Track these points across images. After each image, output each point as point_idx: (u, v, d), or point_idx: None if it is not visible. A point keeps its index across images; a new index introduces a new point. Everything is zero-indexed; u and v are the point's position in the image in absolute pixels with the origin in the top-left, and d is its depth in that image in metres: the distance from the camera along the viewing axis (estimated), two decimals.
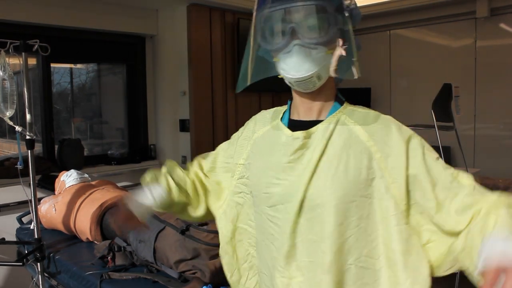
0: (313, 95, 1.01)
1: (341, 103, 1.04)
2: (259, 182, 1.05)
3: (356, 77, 0.99)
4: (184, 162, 4.27)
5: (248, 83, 1.07)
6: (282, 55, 0.96)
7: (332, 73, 0.97)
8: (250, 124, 1.17)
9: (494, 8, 4.09)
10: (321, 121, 1.01)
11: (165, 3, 4.09)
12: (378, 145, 0.95)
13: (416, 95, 4.64)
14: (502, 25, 4.17)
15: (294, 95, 1.06)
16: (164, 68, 4.35)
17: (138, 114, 4.39)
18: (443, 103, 3.34)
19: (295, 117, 1.07)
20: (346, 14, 0.95)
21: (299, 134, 0.99)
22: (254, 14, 1.00)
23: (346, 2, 0.96)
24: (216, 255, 1.51)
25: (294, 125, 1.04)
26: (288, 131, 1.02)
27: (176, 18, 4.15)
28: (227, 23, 4.28)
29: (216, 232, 1.52)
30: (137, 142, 4.41)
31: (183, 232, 1.59)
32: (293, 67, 0.94)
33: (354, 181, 0.94)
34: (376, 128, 0.97)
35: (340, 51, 0.96)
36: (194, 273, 1.54)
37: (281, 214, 0.99)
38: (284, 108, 1.12)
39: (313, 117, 1.03)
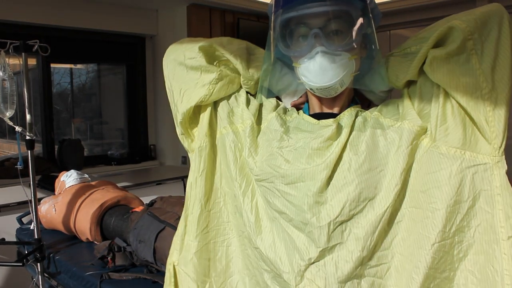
0: (333, 99, 0.97)
1: (357, 104, 1.01)
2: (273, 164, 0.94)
3: (387, 87, 0.96)
4: (184, 163, 4.28)
5: (268, 86, 1.02)
6: (303, 61, 0.90)
7: (350, 80, 0.92)
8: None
9: None
10: (337, 114, 0.97)
11: (165, 3, 4.09)
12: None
13: None
14: None
15: (311, 97, 1.01)
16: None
17: (138, 115, 4.39)
18: None
19: (312, 112, 1.02)
20: (370, 17, 0.90)
21: (330, 121, 0.93)
22: (272, 17, 0.93)
23: (370, 5, 0.91)
24: None
25: (316, 117, 0.99)
26: (314, 120, 0.96)
27: (176, 18, 4.15)
28: (227, 23, 4.28)
29: None
30: (137, 142, 4.41)
31: None
32: (316, 75, 0.88)
33: None
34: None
35: (361, 52, 0.93)
36: None
37: (300, 191, 0.90)
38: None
39: (335, 112, 0.98)
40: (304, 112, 1.02)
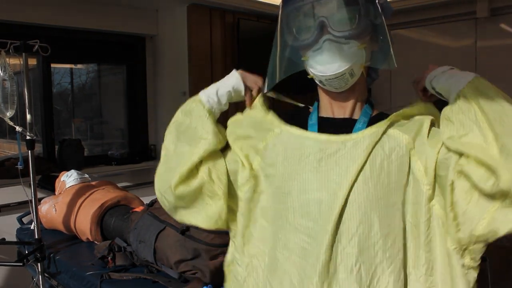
0: (346, 94, 0.95)
1: (372, 107, 1.00)
2: (286, 187, 0.94)
3: (394, 66, 0.96)
4: None
5: (277, 81, 0.99)
6: (311, 53, 0.90)
7: (361, 70, 0.93)
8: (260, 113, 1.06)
9: (494, 8, 4.09)
10: (354, 120, 0.96)
11: (165, 3, 4.09)
12: None
13: (416, 95, 4.64)
14: (503, 26, 4.17)
15: (323, 96, 1.00)
16: (164, 68, 4.35)
17: (138, 115, 4.39)
18: (443, 104, 3.34)
19: (323, 113, 1.00)
20: (378, 6, 0.90)
21: (335, 138, 0.91)
22: (280, 11, 0.94)
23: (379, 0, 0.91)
24: (217, 256, 1.52)
25: (325, 124, 0.98)
26: (321, 136, 0.93)
27: (176, 18, 4.15)
28: (227, 23, 4.28)
29: (216, 233, 1.52)
30: (137, 142, 4.41)
31: (183, 233, 1.59)
32: (324, 64, 0.88)
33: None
34: None
35: (372, 45, 0.92)
36: (194, 274, 1.54)
37: (317, 223, 0.89)
38: (307, 110, 1.06)
39: (346, 115, 0.98)
40: (313, 113, 1.01)
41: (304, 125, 1.00)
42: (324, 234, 0.88)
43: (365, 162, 0.88)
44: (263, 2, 4.03)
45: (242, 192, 1.01)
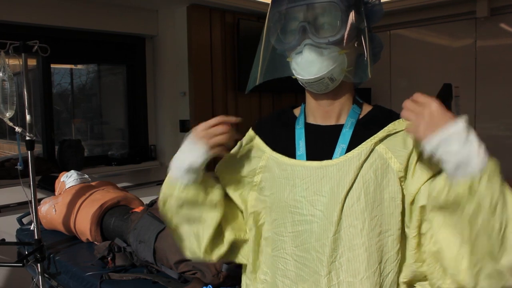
0: (329, 97, 0.96)
1: (360, 106, 0.99)
2: (279, 217, 0.97)
3: (368, 77, 0.94)
4: None
5: (257, 82, 1.00)
6: (294, 55, 0.91)
7: (342, 76, 0.92)
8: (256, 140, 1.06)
9: (494, 8, 4.08)
10: (341, 125, 0.96)
11: (165, 4, 4.09)
12: None
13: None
14: (502, 25, 4.17)
15: (309, 98, 1.00)
16: (164, 68, 4.35)
17: (138, 115, 4.39)
18: (443, 104, 3.33)
19: (311, 120, 1.01)
20: (363, 11, 0.90)
21: (319, 164, 0.93)
22: (268, 13, 0.96)
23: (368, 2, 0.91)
24: None
25: (312, 130, 0.99)
26: (305, 163, 0.95)
27: (176, 18, 4.15)
28: (227, 23, 4.28)
29: None
30: (137, 142, 4.41)
31: None
32: (303, 68, 0.90)
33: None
34: None
35: (354, 51, 0.92)
36: (194, 274, 1.54)
37: (311, 253, 0.92)
38: (291, 111, 1.06)
39: (331, 121, 0.98)
40: (299, 116, 1.01)
41: (291, 128, 1.01)
42: (318, 264, 0.91)
43: (352, 184, 0.90)
44: (263, 2, 4.03)
45: (248, 231, 1.05)
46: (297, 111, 1.06)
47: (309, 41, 0.88)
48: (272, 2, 0.94)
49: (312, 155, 0.96)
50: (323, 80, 0.90)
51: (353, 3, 0.89)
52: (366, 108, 1.00)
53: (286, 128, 1.02)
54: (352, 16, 0.88)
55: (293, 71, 0.93)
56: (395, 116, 0.95)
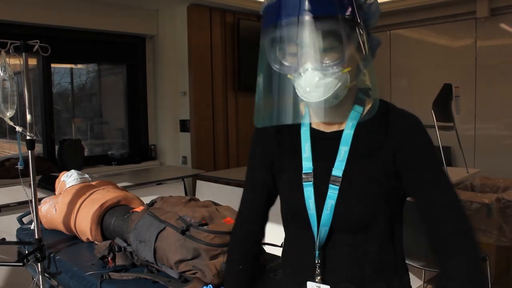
0: (332, 108, 0.94)
1: (362, 103, 0.98)
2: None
3: (369, 86, 0.95)
4: (184, 163, 4.27)
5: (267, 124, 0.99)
6: (296, 75, 0.88)
7: (346, 91, 0.91)
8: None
9: (494, 8, 4.09)
10: (342, 130, 0.97)
11: (165, 4, 4.09)
12: None
13: (416, 95, 4.64)
14: (502, 25, 4.17)
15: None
16: (164, 68, 4.35)
17: (138, 115, 4.39)
18: (443, 103, 3.34)
19: (314, 125, 1.01)
20: (361, 24, 0.87)
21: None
22: (263, 35, 0.92)
23: (363, 2, 0.88)
24: (217, 255, 1.51)
25: (316, 135, 1.00)
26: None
27: (177, 18, 4.16)
28: (227, 23, 4.29)
29: (216, 233, 1.52)
30: (138, 142, 4.42)
31: (183, 233, 1.58)
32: (307, 91, 0.87)
33: None
34: None
35: (356, 61, 0.90)
36: (194, 273, 1.54)
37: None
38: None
39: (334, 127, 0.99)
40: (304, 117, 1.02)
41: (296, 126, 1.02)
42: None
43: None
44: (263, 2, 4.03)
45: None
46: (302, 111, 1.05)
47: (311, 66, 0.85)
48: (264, 23, 0.90)
49: (316, 158, 0.98)
50: (327, 99, 0.89)
51: (352, 22, 0.85)
52: (369, 105, 0.99)
53: (291, 126, 1.02)
54: (353, 35, 0.86)
55: (296, 89, 0.91)
56: (392, 112, 0.96)
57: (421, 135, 0.94)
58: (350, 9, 0.84)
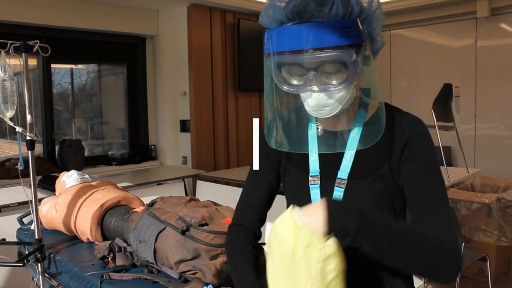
0: (338, 115, 0.95)
1: (366, 107, 1.00)
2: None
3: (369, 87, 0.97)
4: (184, 163, 4.28)
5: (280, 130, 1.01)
6: (302, 94, 0.90)
7: (352, 101, 0.92)
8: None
9: (494, 8, 4.09)
10: (348, 130, 0.98)
11: (165, 4, 4.09)
12: None
13: (416, 95, 4.64)
14: (503, 25, 4.17)
15: None
16: (164, 68, 4.35)
17: (138, 115, 4.39)
18: (444, 103, 3.34)
19: (320, 121, 1.02)
20: (368, 39, 0.87)
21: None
22: (266, 55, 0.90)
23: (366, 5, 0.87)
24: (217, 256, 1.51)
25: (323, 136, 1.01)
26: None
27: (177, 18, 4.15)
28: (227, 23, 4.29)
29: (216, 233, 1.52)
30: (138, 142, 4.42)
31: (183, 233, 1.58)
32: (314, 110, 0.90)
33: None
34: None
35: (363, 61, 0.90)
36: (194, 274, 1.54)
37: None
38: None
39: (340, 127, 1.00)
40: (311, 118, 1.03)
41: (305, 129, 1.02)
42: None
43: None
44: (263, 2, 4.03)
45: None
46: (309, 115, 1.06)
47: (317, 88, 0.87)
48: (268, 46, 0.88)
49: (323, 159, 1.00)
50: (335, 113, 0.91)
51: (358, 45, 0.84)
52: (372, 108, 1.00)
53: (298, 128, 1.03)
54: (358, 54, 0.85)
55: (304, 105, 0.92)
56: (400, 117, 0.97)
57: (425, 136, 0.95)
58: (357, 35, 0.83)
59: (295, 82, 0.90)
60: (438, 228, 0.85)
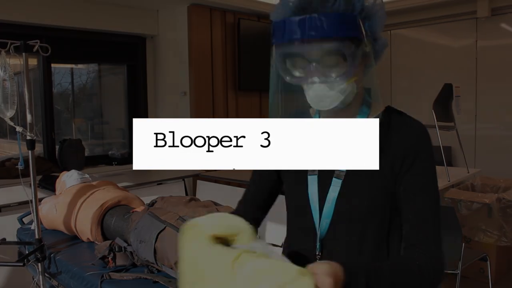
0: (340, 111, 0.98)
1: (369, 106, 1.01)
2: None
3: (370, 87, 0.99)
4: None
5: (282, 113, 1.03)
6: (305, 85, 0.94)
7: (352, 96, 0.95)
8: None
9: (494, 8, 4.09)
10: None
11: (165, 3, 4.09)
12: None
13: (416, 95, 4.64)
14: (503, 25, 4.17)
15: None
16: (164, 68, 4.35)
17: (138, 114, 4.39)
18: (444, 103, 3.34)
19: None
20: (366, 38, 0.90)
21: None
22: (272, 47, 0.95)
23: (368, 6, 0.90)
24: None
25: None
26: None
27: (177, 18, 4.15)
28: (227, 23, 4.28)
29: None
30: None
31: None
32: (315, 101, 0.94)
33: None
34: None
35: (362, 68, 0.94)
36: None
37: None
38: (308, 111, 1.09)
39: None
40: (315, 114, 1.06)
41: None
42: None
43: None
44: (264, 2, 4.03)
45: None
46: (313, 111, 1.08)
47: (318, 79, 0.91)
48: (274, 37, 0.93)
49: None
50: (336, 107, 0.94)
51: (358, 38, 0.89)
52: (376, 108, 1.01)
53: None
54: (358, 49, 0.89)
55: (306, 98, 0.96)
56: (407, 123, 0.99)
57: (429, 148, 0.97)
58: (356, 30, 0.88)
59: (297, 74, 0.94)
60: (423, 258, 0.89)
